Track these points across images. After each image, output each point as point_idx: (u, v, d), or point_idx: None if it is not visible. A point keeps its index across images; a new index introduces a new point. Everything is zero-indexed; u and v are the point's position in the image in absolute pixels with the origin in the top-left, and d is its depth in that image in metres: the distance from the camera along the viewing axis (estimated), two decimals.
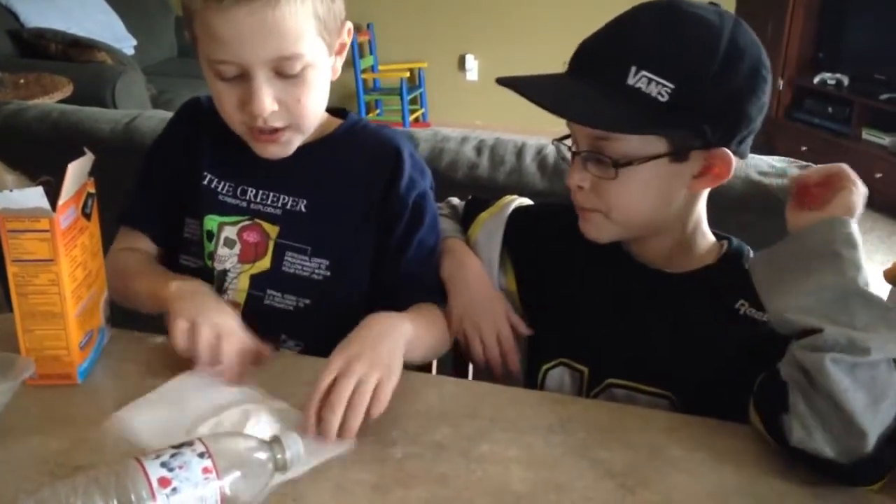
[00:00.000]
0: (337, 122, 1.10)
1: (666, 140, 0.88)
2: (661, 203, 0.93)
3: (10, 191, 0.82)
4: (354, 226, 1.06)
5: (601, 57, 0.89)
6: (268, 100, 0.94)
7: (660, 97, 0.84)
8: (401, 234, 1.06)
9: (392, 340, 0.88)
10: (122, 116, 1.91)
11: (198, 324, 0.87)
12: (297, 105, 0.96)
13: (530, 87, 0.88)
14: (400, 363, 0.86)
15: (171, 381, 0.89)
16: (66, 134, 1.89)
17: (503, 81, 0.89)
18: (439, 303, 1.06)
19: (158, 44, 4.72)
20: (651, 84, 0.84)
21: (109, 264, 1.03)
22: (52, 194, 0.83)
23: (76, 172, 0.87)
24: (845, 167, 0.85)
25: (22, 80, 3.27)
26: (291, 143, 1.02)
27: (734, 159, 0.90)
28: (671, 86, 0.84)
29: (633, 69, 0.85)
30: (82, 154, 0.89)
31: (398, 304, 1.00)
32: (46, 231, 0.83)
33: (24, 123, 1.94)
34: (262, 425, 0.81)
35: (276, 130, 0.98)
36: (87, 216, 0.92)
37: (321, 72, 0.98)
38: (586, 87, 0.87)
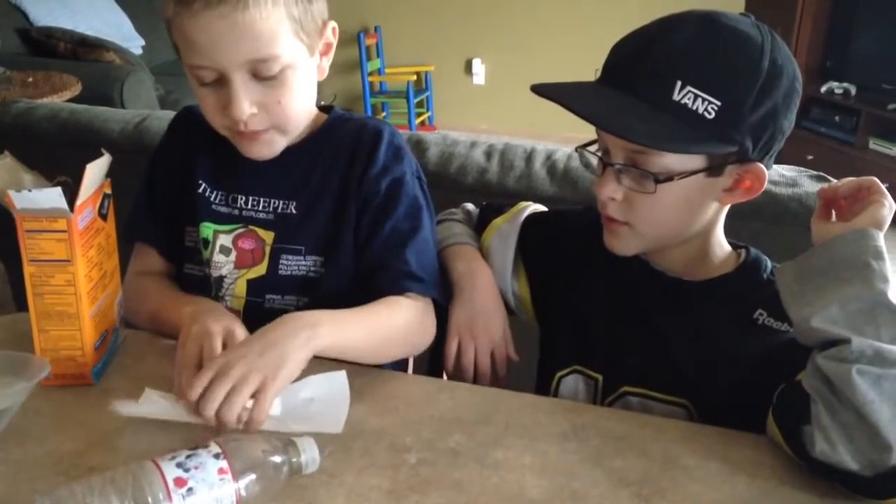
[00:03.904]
0: (323, 118, 1.09)
1: (705, 155, 0.87)
2: (691, 216, 0.93)
3: (29, 191, 0.82)
4: (341, 217, 1.05)
5: (642, 69, 0.87)
6: (245, 103, 0.93)
7: (706, 114, 0.83)
8: (371, 220, 1.04)
9: (292, 342, 0.83)
10: (131, 116, 1.90)
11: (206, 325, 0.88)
12: (277, 107, 0.96)
13: (570, 98, 0.86)
14: (293, 367, 0.82)
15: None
16: (75, 133, 1.88)
17: (538, 89, 0.88)
18: (415, 291, 1.01)
19: (166, 44, 4.60)
20: (697, 100, 0.83)
21: (128, 289, 1.03)
22: (70, 195, 0.83)
23: (94, 173, 0.87)
24: (876, 181, 0.84)
25: (30, 79, 3.27)
26: (275, 144, 1.01)
27: (766, 174, 0.90)
28: (718, 103, 0.83)
29: (679, 84, 0.83)
30: (95, 154, 0.89)
31: (369, 292, 0.99)
32: (64, 231, 0.84)
33: (33, 122, 1.93)
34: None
35: (258, 131, 0.98)
36: (104, 217, 0.92)
37: (302, 73, 0.97)
38: (630, 101, 0.86)
